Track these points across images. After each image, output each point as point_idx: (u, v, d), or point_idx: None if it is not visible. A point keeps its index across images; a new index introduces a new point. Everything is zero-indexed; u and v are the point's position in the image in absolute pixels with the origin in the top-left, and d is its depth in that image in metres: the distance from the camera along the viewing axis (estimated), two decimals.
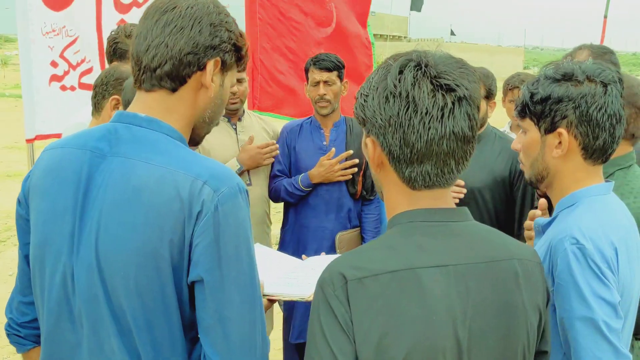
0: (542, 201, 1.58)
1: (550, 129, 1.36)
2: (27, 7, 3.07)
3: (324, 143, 2.98)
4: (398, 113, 1.02)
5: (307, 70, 2.97)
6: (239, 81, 2.85)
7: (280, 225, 3.14)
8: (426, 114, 1.01)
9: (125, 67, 2.16)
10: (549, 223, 1.42)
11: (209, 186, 1.12)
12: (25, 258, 1.33)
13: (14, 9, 3.05)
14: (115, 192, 1.13)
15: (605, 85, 1.33)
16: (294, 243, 2.98)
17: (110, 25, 3.23)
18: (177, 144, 1.19)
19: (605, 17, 6.27)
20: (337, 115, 3.02)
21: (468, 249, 1.05)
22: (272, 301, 1.78)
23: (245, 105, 3.08)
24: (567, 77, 1.34)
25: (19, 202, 1.31)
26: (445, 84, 1.01)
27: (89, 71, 3.31)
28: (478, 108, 1.06)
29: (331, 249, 2.89)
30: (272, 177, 3.01)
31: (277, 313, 3.18)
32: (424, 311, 0.98)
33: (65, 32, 3.24)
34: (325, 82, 2.89)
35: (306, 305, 2.67)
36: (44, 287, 1.21)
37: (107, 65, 2.69)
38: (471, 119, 1.04)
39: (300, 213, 2.99)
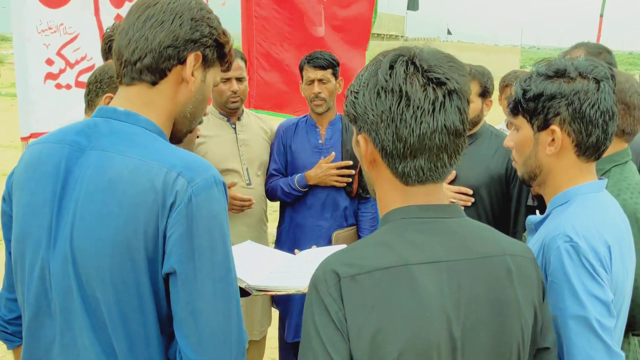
0: None
1: (543, 126, 1.36)
2: (22, 4, 3.06)
3: (320, 141, 2.98)
4: (390, 108, 1.02)
5: (301, 69, 2.97)
6: (239, 80, 2.83)
7: (276, 224, 3.15)
8: (418, 108, 1.01)
9: None
10: (542, 221, 1.42)
11: (183, 177, 1.12)
12: (10, 255, 1.33)
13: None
14: (90, 184, 1.13)
15: (597, 81, 1.32)
16: (291, 242, 2.98)
17: (108, 20, 3.22)
18: (154, 136, 1.19)
19: (601, 16, 6.27)
20: (332, 114, 3.02)
21: (461, 245, 1.05)
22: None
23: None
24: (560, 74, 1.34)
25: (3, 199, 1.32)
26: (436, 78, 1.02)
27: (90, 68, 3.30)
28: (468, 101, 1.06)
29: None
30: (269, 176, 3.02)
31: (274, 311, 3.18)
32: (418, 307, 0.98)
33: (63, 30, 3.23)
34: (320, 80, 2.89)
35: (302, 305, 2.67)
36: (24, 281, 1.22)
37: None
38: (462, 112, 1.04)
39: (297, 212, 2.99)
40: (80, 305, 1.14)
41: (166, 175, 1.11)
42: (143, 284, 1.12)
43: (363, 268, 0.99)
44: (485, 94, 2.69)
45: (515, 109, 1.41)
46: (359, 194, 3.02)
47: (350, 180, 2.93)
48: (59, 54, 3.23)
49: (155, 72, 1.21)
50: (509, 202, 2.61)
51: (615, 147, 1.75)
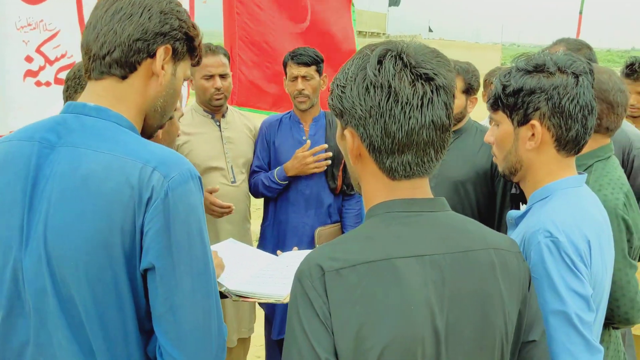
0: None
1: (523, 121, 1.37)
2: (1, 0, 3.01)
3: (304, 138, 2.97)
4: (379, 103, 1.02)
5: (285, 65, 2.95)
6: (223, 77, 2.82)
7: (260, 221, 3.13)
8: (407, 103, 1.01)
9: None
10: (522, 216, 1.43)
11: (158, 172, 1.11)
12: None
13: None
14: (63, 182, 1.11)
15: (576, 76, 1.34)
16: (274, 239, 2.97)
17: None
18: (125, 131, 1.18)
19: (581, 13, 6.35)
20: (316, 110, 3.01)
21: (445, 239, 1.06)
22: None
23: None
24: (539, 69, 1.35)
25: None
26: (424, 73, 1.02)
27: (70, 65, 3.25)
28: (453, 96, 1.07)
29: (311, 245, 2.88)
30: (252, 173, 3.00)
31: (259, 308, 3.17)
32: (402, 301, 0.99)
33: (43, 26, 3.18)
34: (304, 77, 2.87)
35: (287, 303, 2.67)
36: None
37: None
38: (447, 107, 1.05)
39: (280, 209, 2.98)
40: (56, 305, 1.12)
41: (141, 170, 1.10)
42: (121, 282, 1.11)
43: (347, 262, 1.00)
44: (469, 90, 2.70)
45: (495, 104, 1.41)
46: (343, 190, 3.02)
47: (330, 162, 2.90)
48: (38, 50, 3.18)
49: (125, 66, 1.20)
50: (494, 197, 2.64)
51: (598, 142, 1.77)
